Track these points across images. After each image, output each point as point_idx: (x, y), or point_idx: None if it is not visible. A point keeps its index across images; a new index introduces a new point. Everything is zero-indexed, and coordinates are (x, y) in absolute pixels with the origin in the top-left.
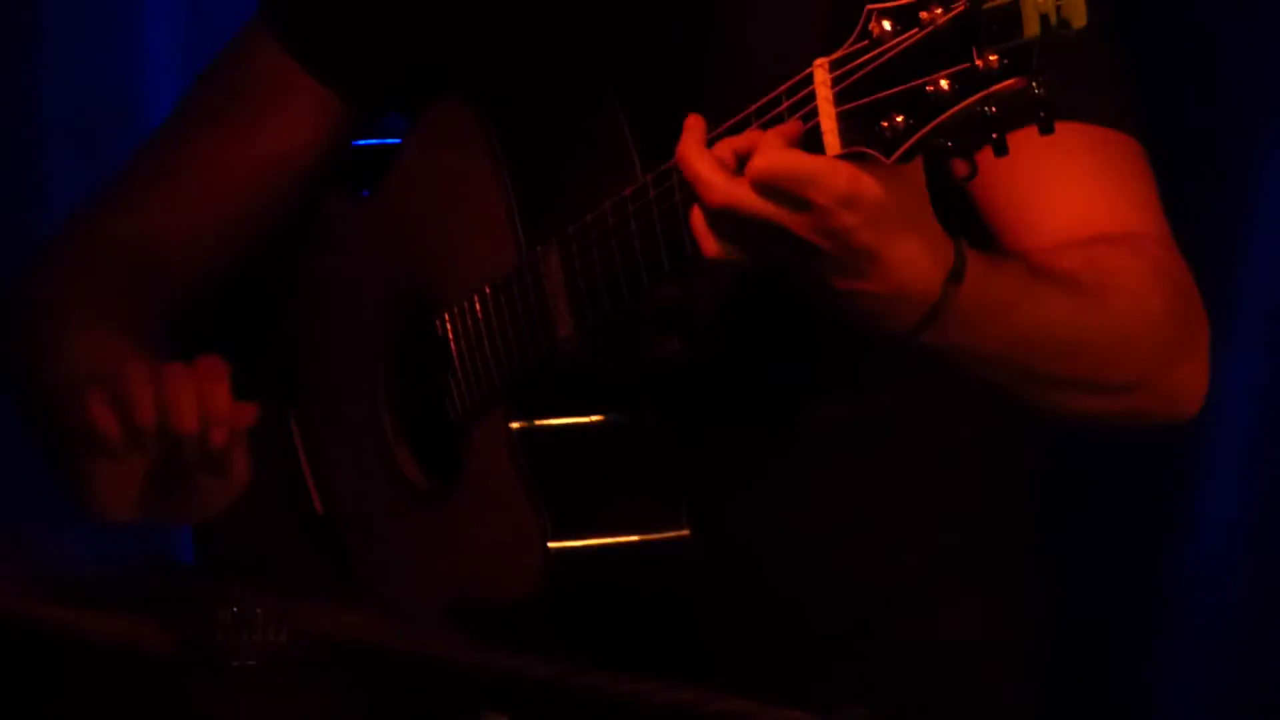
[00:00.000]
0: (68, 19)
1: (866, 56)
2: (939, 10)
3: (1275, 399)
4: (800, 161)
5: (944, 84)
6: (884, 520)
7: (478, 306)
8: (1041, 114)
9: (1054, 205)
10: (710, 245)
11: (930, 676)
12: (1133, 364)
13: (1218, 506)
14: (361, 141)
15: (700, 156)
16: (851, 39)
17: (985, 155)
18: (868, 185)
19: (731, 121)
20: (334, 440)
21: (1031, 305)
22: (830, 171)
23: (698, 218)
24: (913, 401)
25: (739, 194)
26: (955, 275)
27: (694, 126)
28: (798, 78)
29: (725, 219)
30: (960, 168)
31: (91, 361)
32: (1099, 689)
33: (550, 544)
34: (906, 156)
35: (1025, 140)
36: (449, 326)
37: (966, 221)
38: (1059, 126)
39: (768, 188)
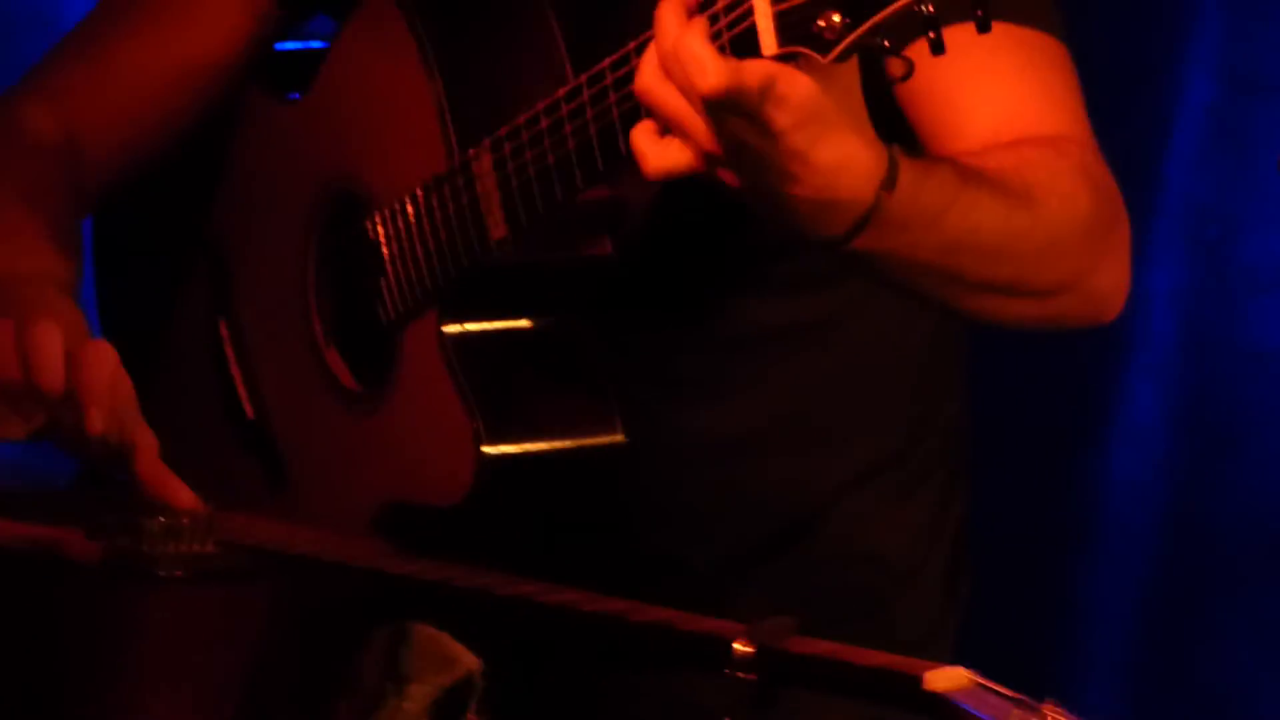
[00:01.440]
0: None
1: None
2: None
3: (1196, 303)
4: (732, 64)
5: None
6: (817, 425)
7: (409, 208)
8: (979, 11)
9: (979, 106)
10: (647, 157)
11: (861, 586)
12: (1060, 267)
13: (1139, 412)
14: (285, 45)
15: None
16: None
17: (909, 54)
18: (798, 86)
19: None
20: (263, 344)
21: (962, 211)
22: (761, 71)
23: (638, 135)
24: (850, 305)
25: (666, 93)
26: (888, 182)
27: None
28: None
29: (659, 116)
30: (896, 67)
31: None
32: (1025, 597)
33: (484, 448)
34: (843, 56)
35: (950, 41)
36: (380, 228)
37: (894, 127)
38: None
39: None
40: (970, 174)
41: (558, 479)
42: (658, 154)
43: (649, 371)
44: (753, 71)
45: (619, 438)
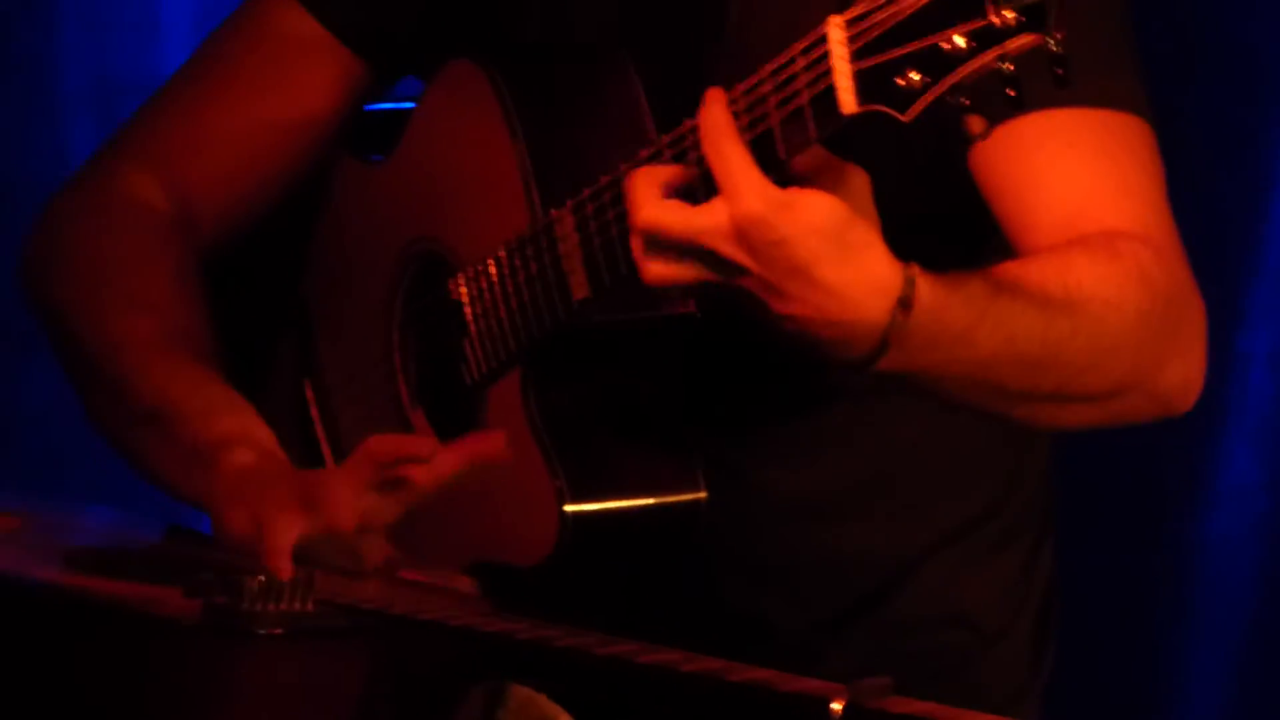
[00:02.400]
0: None
1: (883, 14)
2: None
3: None
4: (745, 165)
5: (959, 40)
6: (904, 485)
7: (493, 269)
8: (1059, 70)
9: (1051, 200)
10: (648, 270)
11: (948, 646)
12: (1111, 373)
13: (1236, 474)
14: (373, 106)
15: (637, 177)
16: None
17: (987, 148)
18: (796, 203)
19: (748, 83)
20: (349, 407)
21: (994, 324)
22: (761, 184)
23: (635, 242)
24: None
25: (662, 212)
26: (904, 303)
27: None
28: (813, 35)
29: (657, 240)
30: (975, 125)
31: (149, 327)
32: (1120, 660)
33: (566, 507)
34: (923, 114)
35: (1028, 125)
36: (464, 289)
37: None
38: (1061, 114)
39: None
40: (1004, 284)
41: (640, 537)
42: (661, 266)
43: (734, 430)
44: (759, 185)
45: (701, 495)
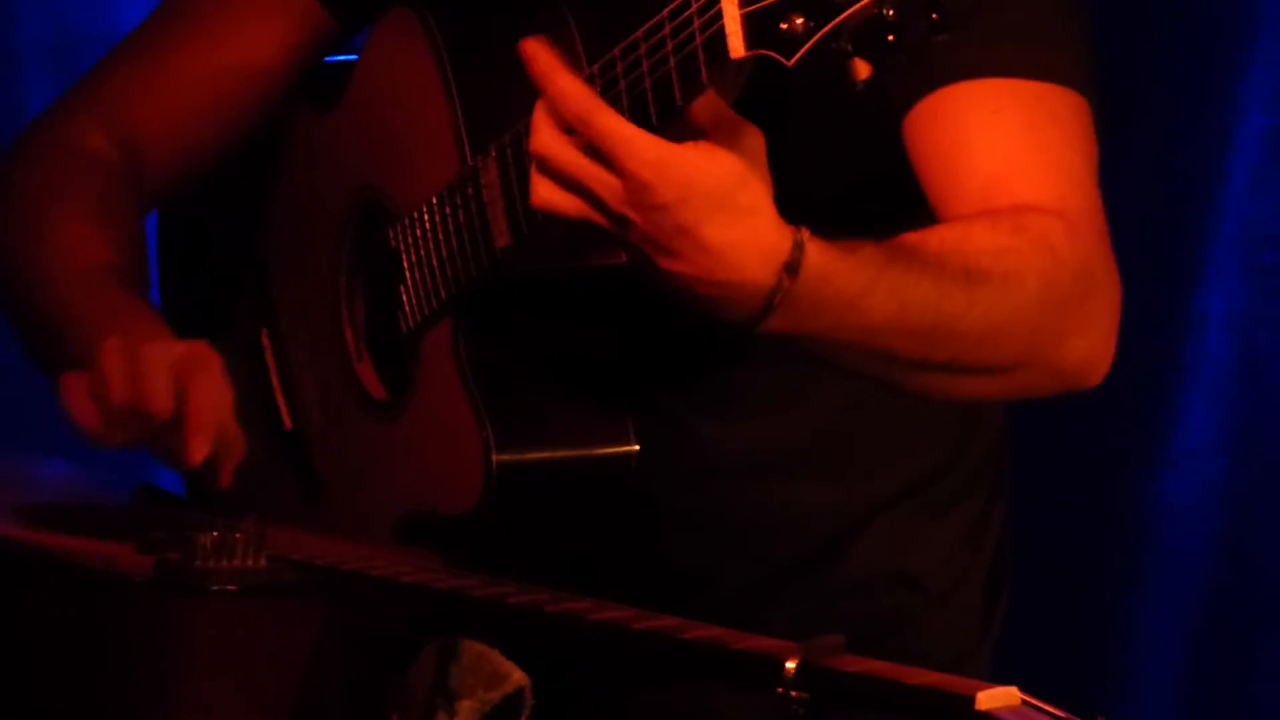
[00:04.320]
0: None
1: None
2: None
3: (1251, 327)
4: (619, 127)
5: None
6: (849, 444)
7: (425, 217)
8: (934, 15)
9: (973, 169)
10: (537, 191)
11: (892, 606)
12: (1007, 347)
13: (1192, 436)
14: (332, 59)
15: (541, 101)
16: None
17: (918, 113)
18: (684, 162)
19: (642, 30)
20: (301, 355)
21: (885, 293)
22: (646, 142)
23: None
24: None
25: (555, 145)
26: (791, 267)
27: (536, 54)
28: None
29: (546, 168)
30: (860, 69)
31: (70, 261)
32: (1074, 621)
33: (495, 456)
34: (807, 58)
35: (957, 93)
36: (400, 239)
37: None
38: (991, 83)
39: (588, 145)
40: (899, 253)
41: (570, 488)
42: (549, 190)
43: (673, 384)
44: (643, 144)
45: (632, 447)
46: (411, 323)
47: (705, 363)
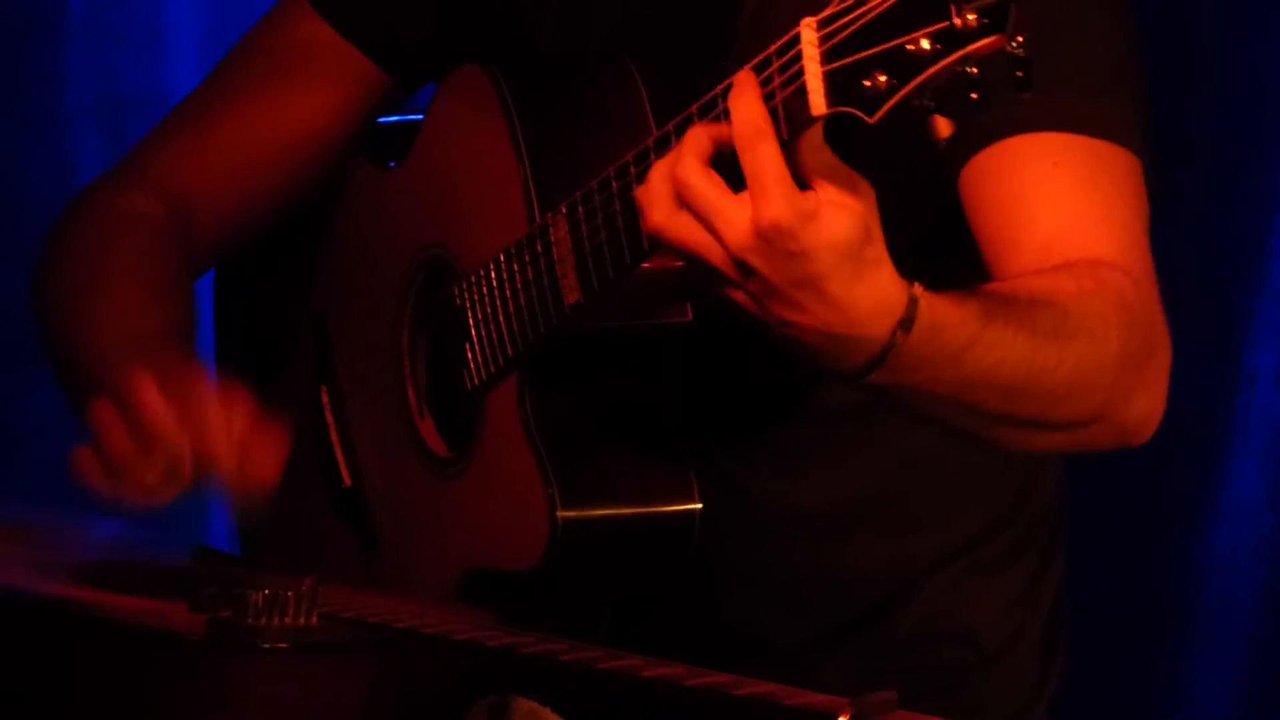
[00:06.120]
0: (92, 6)
1: (852, 15)
2: None
3: None
4: (779, 165)
5: (924, 43)
6: (907, 500)
7: (492, 275)
8: (1019, 73)
9: (1034, 223)
10: (653, 217)
11: (948, 663)
12: (1086, 404)
13: (1242, 492)
14: (389, 119)
15: (697, 128)
16: None
17: (976, 166)
18: (826, 214)
19: (723, 85)
20: (361, 411)
21: (984, 349)
22: (795, 187)
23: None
24: None
25: (698, 174)
26: (905, 322)
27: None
28: (786, 37)
29: (683, 196)
30: (942, 126)
31: (121, 322)
32: (1125, 676)
33: (559, 513)
34: (889, 116)
35: (1015, 146)
36: (465, 295)
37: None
38: (1049, 137)
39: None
40: (996, 310)
41: (633, 546)
42: (671, 219)
43: (734, 441)
44: (794, 189)
45: (695, 505)
46: (476, 380)
47: (765, 420)
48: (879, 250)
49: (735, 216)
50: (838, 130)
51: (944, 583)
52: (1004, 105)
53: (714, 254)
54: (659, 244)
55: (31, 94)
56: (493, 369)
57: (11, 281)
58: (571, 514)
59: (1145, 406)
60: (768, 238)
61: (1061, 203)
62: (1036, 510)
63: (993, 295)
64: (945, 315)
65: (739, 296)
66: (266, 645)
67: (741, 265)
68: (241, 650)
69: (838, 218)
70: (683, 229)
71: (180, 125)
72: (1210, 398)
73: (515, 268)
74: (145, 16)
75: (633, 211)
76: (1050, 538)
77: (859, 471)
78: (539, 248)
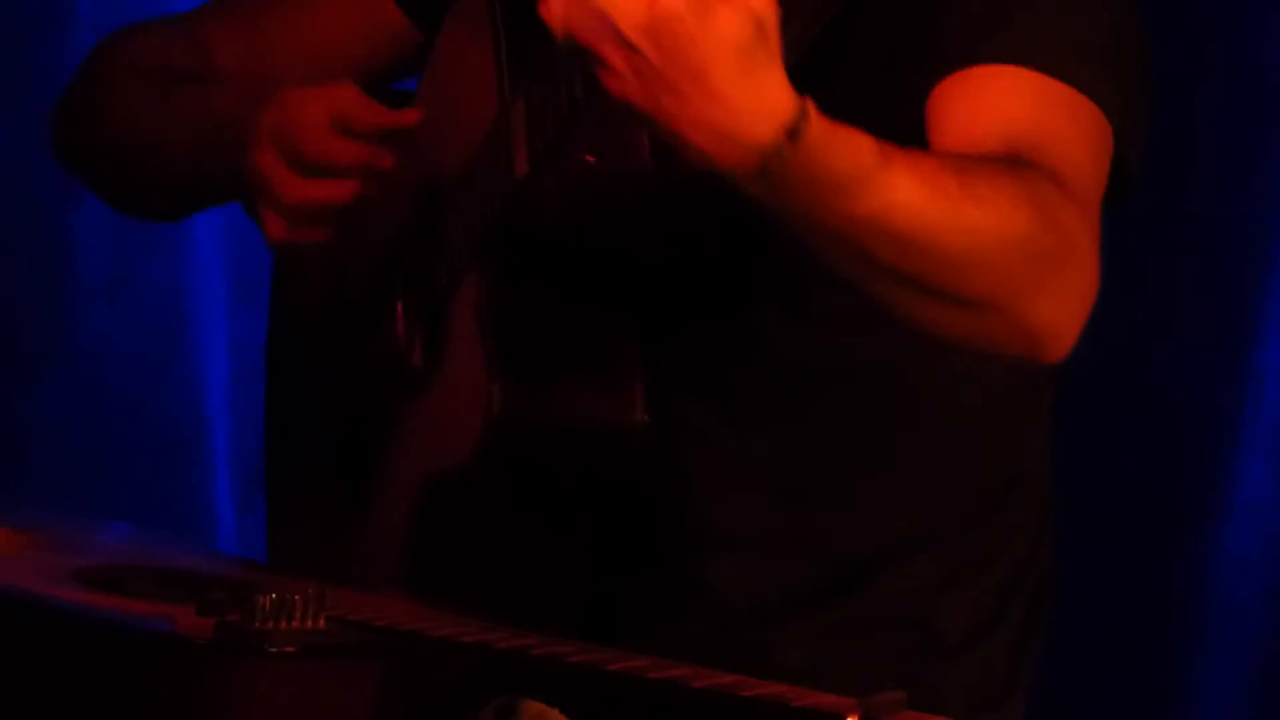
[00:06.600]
0: (98, 4)
1: None
2: None
3: None
4: None
5: None
6: (870, 477)
7: (466, 175)
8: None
9: (983, 140)
10: (553, 7)
11: (907, 650)
12: (982, 279)
13: (1252, 492)
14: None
15: None
16: None
17: (944, 89)
18: (713, 17)
19: None
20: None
21: (878, 188)
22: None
23: None
24: (907, 355)
25: None
26: (792, 131)
27: None
28: None
29: None
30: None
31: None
32: (1133, 676)
33: (498, 411)
34: None
35: (980, 74)
36: (445, 204)
37: None
38: (1018, 70)
39: None
40: (899, 157)
41: (575, 451)
42: (563, 4)
43: (704, 388)
44: None
45: (640, 418)
46: (445, 279)
47: (738, 371)
48: (772, 54)
49: (629, 2)
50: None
51: (908, 570)
52: (986, 38)
53: (607, 40)
54: (593, 93)
55: (37, 92)
56: (458, 262)
57: (16, 279)
58: (511, 413)
59: (1052, 314)
60: (659, 22)
61: (1015, 126)
62: (1013, 513)
63: (900, 148)
64: (840, 142)
65: (629, 89)
66: (274, 649)
67: (632, 53)
68: (249, 653)
69: (731, 11)
70: (577, 12)
71: (224, 15)
72: (1218, 396)
73: (482, 156)
74: (151, 14)
75: (573, 67)
76: (1030, 549)
77: (832, 440)
78: (502, 130)
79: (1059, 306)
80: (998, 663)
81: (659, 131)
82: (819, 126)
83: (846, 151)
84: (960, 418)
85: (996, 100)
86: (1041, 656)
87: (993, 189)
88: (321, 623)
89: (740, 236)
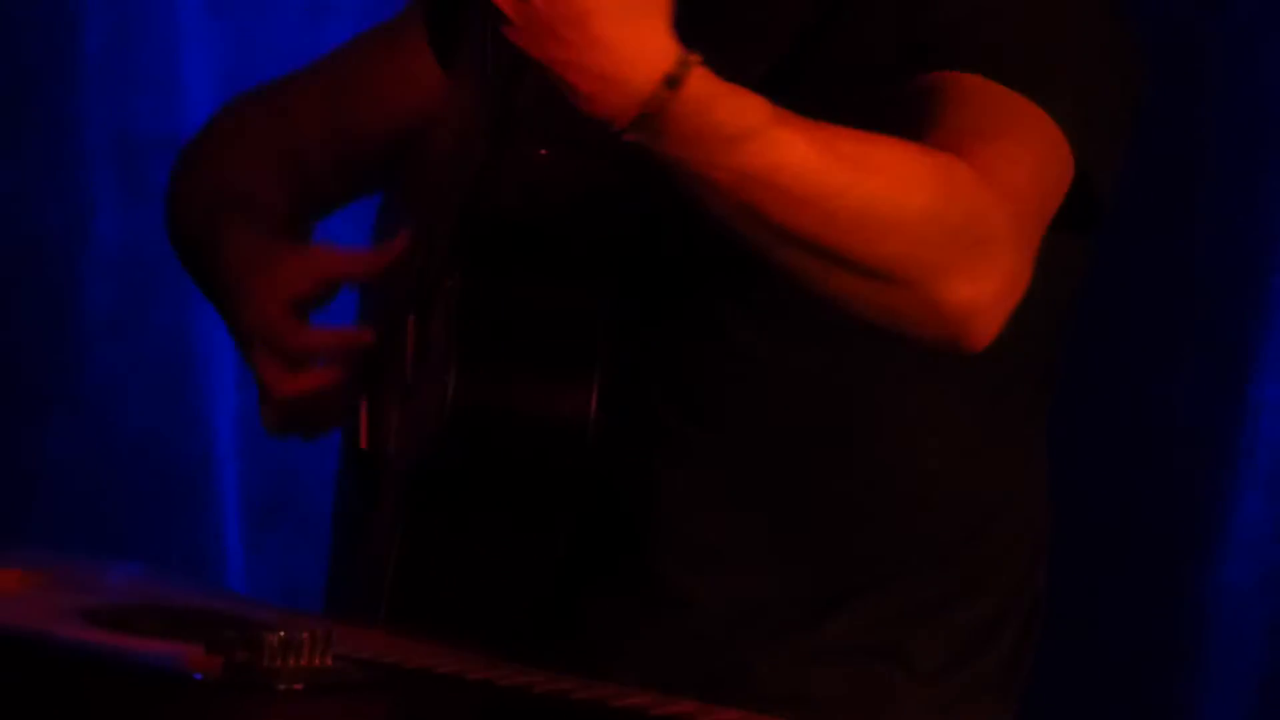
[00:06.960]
0: (107, 48)
1: None
2: None
3: None
4: None
5: None
6: (846, 500)
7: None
8: None
9: (929, 122)
10: None
11: (876, 680)
12: (881, 248)
13: (1250, 524)
14: None
15: None
16: None
17: (905, 100)
18: None
19: None
20: (388, 369)
21: (766, 144)
22: None
23: None
24: (872, 369)
25: None
26: (672, 80)
27: None
28: None
29: None
30: None
31: (246, 264)
32: (1131, 710)
33: (454, 401)
34: None
35: (935, 80)
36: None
37: None
38: (977, 80)
39: None
40: (791, 118)
41: (527, 443)
42: None
43: (653, 376)
44: None
45: (593, 411)
46: (424, 262)
47: (682, 359)
48: (656, 4)
49: None
50: None
51: (881, 600)
52: (956, 46)
53: None
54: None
55: (46, 136)
56: (437, 254)
57: (29, 322)
58: (467, 401)
59: (969, 293)
60: None
61: (957, 125)
62: (997, 546)
63: (796, 113)
64: (726, 96)
65: (523, 38)
66: (282, 687)
67: (522, 1)
68: (257, 691)
69: None
70: None
71: (298, 83)
72: (1215, 428)
73: (457, 151)
74: (161, 58)
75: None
76: (1016, 589)
77: (784, 442)
78: (468, 122)
79: (974, 289)
80: (983, 691)
81: (551, 79)
82: (702, 79)
83: (732, 105)
84: (929, 444)
85: (945, 103)
86: (1034, 686)
87: (895, 160)
88: (329, 660)
89: (696, 232)
